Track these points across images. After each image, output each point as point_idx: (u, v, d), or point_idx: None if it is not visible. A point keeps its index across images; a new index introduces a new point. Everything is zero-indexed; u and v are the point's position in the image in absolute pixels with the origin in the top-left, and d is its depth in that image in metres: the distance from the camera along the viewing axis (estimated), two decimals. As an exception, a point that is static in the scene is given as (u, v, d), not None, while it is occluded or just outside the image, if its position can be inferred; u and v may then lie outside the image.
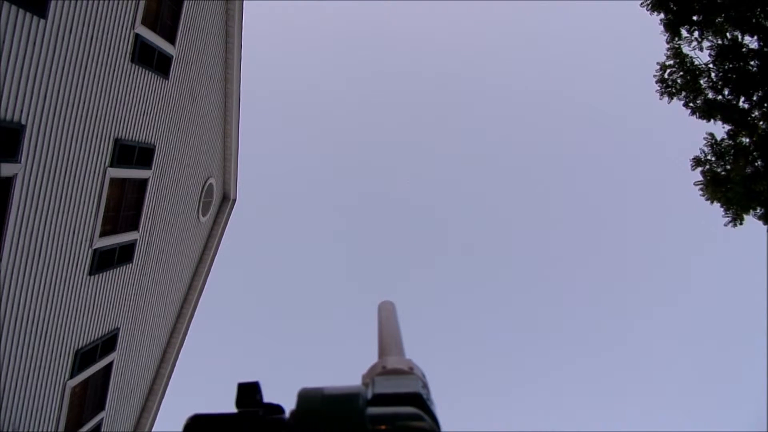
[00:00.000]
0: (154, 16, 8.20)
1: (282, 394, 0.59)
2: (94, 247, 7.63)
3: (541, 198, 43.42)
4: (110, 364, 9.09)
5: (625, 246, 41.70)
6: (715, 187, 8.56)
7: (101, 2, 6.72)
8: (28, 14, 5.55)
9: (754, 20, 7.96)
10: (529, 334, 40.92)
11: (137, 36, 7.64)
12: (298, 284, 43.36)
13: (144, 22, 7.77)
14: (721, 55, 8.28)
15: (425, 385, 0.65)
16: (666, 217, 41.52)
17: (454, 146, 44.54)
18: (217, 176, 12.51)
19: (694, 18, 8.43)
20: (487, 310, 41.79)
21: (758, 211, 8.38)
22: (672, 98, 8.95)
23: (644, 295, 40.31)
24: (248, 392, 0.56)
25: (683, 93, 8.83)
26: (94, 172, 7.32)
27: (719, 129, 8.79)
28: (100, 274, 8.05)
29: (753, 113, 8.30)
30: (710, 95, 8.60)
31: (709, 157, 8.77)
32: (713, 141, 8.73)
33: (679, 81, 8.83)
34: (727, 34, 8.26)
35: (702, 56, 8.66)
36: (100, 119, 7.20)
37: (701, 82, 8.66)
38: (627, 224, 43.32)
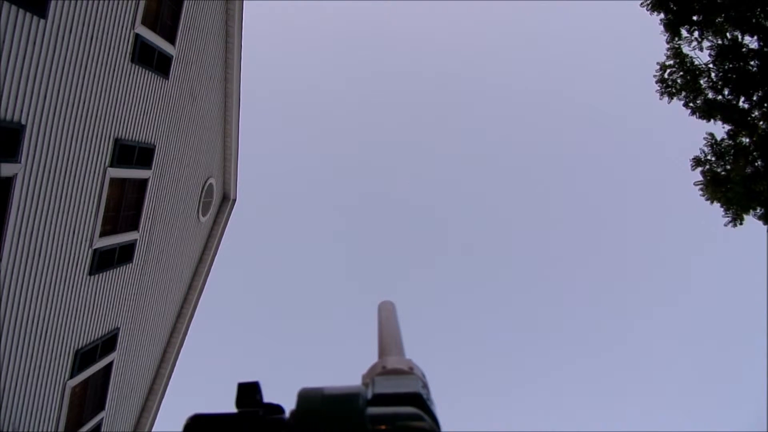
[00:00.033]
0: (154, 16, 8.20)
1: (282, 394, 0.59)
2: (94, 247, 7.63)
3: (541, 198, 43.45)
4: (110, 364, 9.09)
5: (625, 246, 41.72)
6: (715, 187, 8.56)
7: (101, 2, 6.72)
8: (28, 14, 5.55)
9: (754, 20, 7.96)
10: (529, 334, 40.94)
11: (137, 36, 7.64)
12: (298, 284, 43.39)
13: (144, 22, 7.77)
14: (721, 55, 8.28)
15: (425, 385, 0.65)
16: (666, 217, 41.55)
17: (454, 146, 44.57)
18: (217, 176, 12.51)
19: (694, 18, 8.43)
20: (487, 310, 41.81)
21: (758, 211, 8.38)
22: (672, 98, 8.95)
23: (644, 295, 40.34)
24: (248, 392, 0.56)
25: (683, 93, 8.84)
26: (94, 172, 7.32)
27: (719, 129, 8.80)
28: (100, 274, 8.05)
29: (753, 113, 8.30)
30: (710, 95, 8.60)
31: (709, 157, 8.77)
32: (713, 141, 8.73)
33: (679, 81, 8.83)
34: (727, 34, 8.26)
35: (702, 56, 8.67)
36: (100, 119, 7.20)
37: (701, 82, 8.66)
38: (627, 224, 43.34)
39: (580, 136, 43.11)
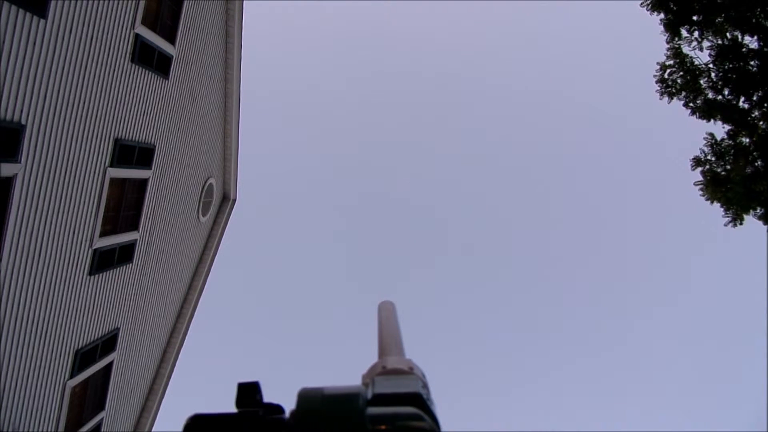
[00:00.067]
0: (154, 16, 8.20)
1: (282, 394, 0.59)
2: (94, 247, 7.63)
3: (541, 198, 43.45)
4: (110, 364, 9.09)
5: (625, 246, 41.72)
6: (715, 187, 8.56)
7: (101, 2, 6.72)
8: (28, 14, 5.55)
9: (754, 20, 7.96)
10: (529, 334, 40.94)
11: (137, 36, 7.64)
12: (298, 284, 43.39)
13: (144, 22, 7.77)
14: (721, 55, 8.28)
15: (425, 385, 0.65)
16: (666, 217, 41.55)
17: (454, 146, 44.57)
18: (217, 176, 12.51)
19: (694, 18, 8.43)
20: (487, 310, 41.81)
21: (758, 211, 8.38)
22: (672, 98, 8.95)
23: (644, 295, 40.34)
24: (248, 392, 0.56)
25: (683, 93, 8.84)
26: (94, 172, 7.32)
27: (719, 129, 8.80)
28: (100, 274, 8.05)
29: (753, 113, 8.30)
30: (710, 95, 8.60)
31: (709, 157, 8.77)
32: (713, 141, 8.73)
33: (679, 81, 8.83)
34: (727, 34, 8.26)
35: (702, 56, 8.67)
36: (100, 119, 7.20)
37: (701, 82, 8.67)
38: (627, 224, 43.34)
39: (580, 136, 43.14)
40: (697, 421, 33.31)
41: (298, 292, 42.99)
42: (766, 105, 8.12)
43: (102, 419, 9.15)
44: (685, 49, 8.74)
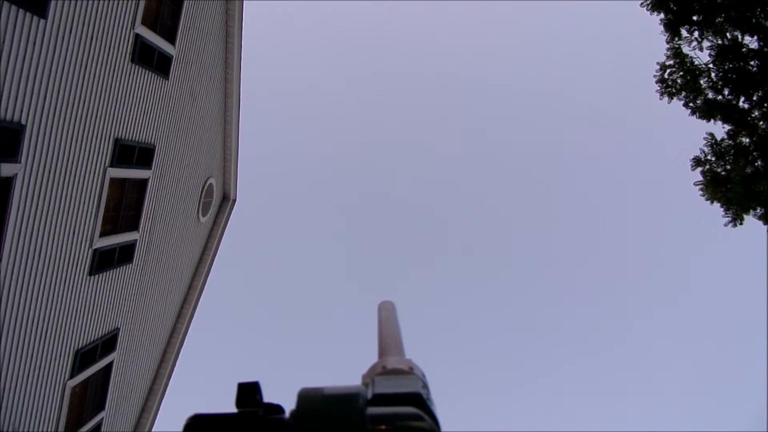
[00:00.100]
0: (154, 16, 8.20)
1: (282, 394, 0.59)
2: (94, 247, 7.63)
3: (541, 198, 43.45)
4: (110, 364, 9.09)
5: (625, 246, 41.73)
6: (715, 187, 8.56)
7: (101, 2, 6.72)
8: (28, 14, 5.55)
9: (754, 20, 7.96)
10: (529, 334, 40.94)
11: (137, 36, 7.64)
12: (298, 284, 43.39)
13: (144, 22, 7.77)
14: (721, 55, 8.28)
15: (425, 385, 0.65)
16: (666, 217, 41.55)
17: (454, 146, 44.57)
18: (217, 176, 12.51)
19: (694, 18, 8.43)
20: (487, 310, 41.81)
21: (758, 211, 8.38)
22: (672, 98, 8.95)
23: (644, 295, 40.35)
24: (248, 392, 0.56)
25: (683, 93, 8.84)
26: (94, 172, 7.32)
27: (719, 129, 8.80)
28: (100, 274, 8.05)
29: (753, 113, 8.30)
30: (710, 95, 8.60)
31: (709, 157, 8.78)
32: (713, 141, 8.73)
33: (679, 81, 8.83)
34: (727, 34, 8.26)
35: (702, 56, 8.67)
36: (100, 119, 7.20)
37: (701, 82, 8.67)
38: (627, 224, 43.35)
39: (580, 136, 43.14)
40: (697, 421, 33.33)
41: (298, 292, 43.01)
42: (766, 105, 8.12)
43: (102, 419, 9.15)
44: (685, 49, 8.74)
